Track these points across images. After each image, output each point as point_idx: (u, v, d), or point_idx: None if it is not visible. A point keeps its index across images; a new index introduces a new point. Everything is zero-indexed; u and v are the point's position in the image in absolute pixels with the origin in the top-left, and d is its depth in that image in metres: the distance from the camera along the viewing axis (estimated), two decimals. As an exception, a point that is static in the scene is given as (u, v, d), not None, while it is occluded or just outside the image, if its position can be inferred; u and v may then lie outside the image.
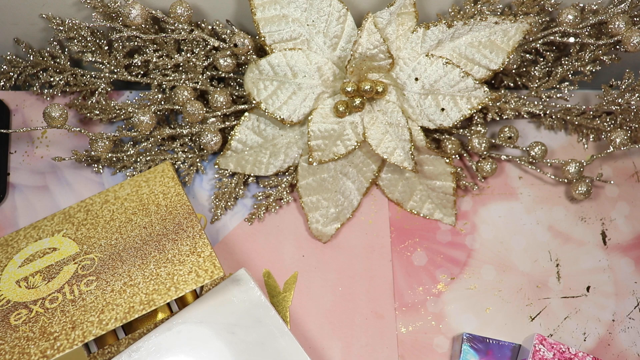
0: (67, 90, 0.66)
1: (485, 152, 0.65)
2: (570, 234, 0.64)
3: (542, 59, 0.66)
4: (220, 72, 0.64)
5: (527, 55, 0.65)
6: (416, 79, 0.59)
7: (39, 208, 0.63)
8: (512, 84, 0.67)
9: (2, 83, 0.67)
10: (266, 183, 0.64)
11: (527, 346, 0.57)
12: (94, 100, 0.65)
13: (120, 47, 0.63)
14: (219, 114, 0.63)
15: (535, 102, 0.66)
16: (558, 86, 0.67)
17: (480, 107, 0.59)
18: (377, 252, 0.63)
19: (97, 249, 0.56)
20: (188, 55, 0.63)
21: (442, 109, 0.59)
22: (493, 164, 0.65)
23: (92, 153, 0.61)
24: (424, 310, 0.61)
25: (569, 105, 0.66)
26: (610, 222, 0.65)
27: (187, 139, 0.65)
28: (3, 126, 0.65)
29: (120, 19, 0.61)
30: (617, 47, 0.63)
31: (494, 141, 0.65)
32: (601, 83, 0.66)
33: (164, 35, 0.61)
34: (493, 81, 0.68)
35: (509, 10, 0.64)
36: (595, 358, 0.55)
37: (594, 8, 0.63)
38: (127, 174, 0.64)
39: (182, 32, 0.61)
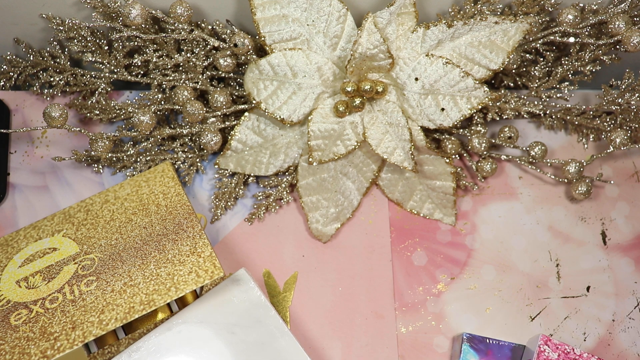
0: (67, 90, 0.66)
1: (485, 152, 0.65)
2: (570, 234, 0.64)
3: (542, 59, 0.66)
4: (220, 72, 0.64)
5: (527, 55, 0.65)
6: (416, 79, 0.59)
7: (39, 208, 0.63)
8: (512, 84, 0.67)
9: (2, 83, 0.67)
10: (266, 183, 0.64)
11: (532, 347, 0.57)
12: (94, 100, 0.65)
13: (120, 47, 0.63)
14: (219, 114, 0.63)
15: (535, 102, 0.66)
16: (558, 86, 0.66)
17: (480, 107, 0.59)
18: (377, 252, 0.63)
19: (97, 249, 0.56)
20: (188, 55, 0.63)
21: (442, 109, 0.59)
22: (493, 164, 0.65)
23: (92, 153, 0.61)
24: (424, 310, 0.61)
25: (569, 105, 0.66)
26: (610, 222, 0.65)
27: (187, 139, 0.65)
28: (3, 126, 0.65)
29: (120, 19, 0.61)
30: (617, 47, 0.63)
31: (494, 141, 0.65)
32: (601, 83, 0.66)
33: (164, 35, 0.61)
34: (493, 81, 0.68)
35: (509, 10, 0.64)
36: (600, 359, 0.55)
37: (594, 8, 0.63)
38: (127, 174, 0.64)
39: (182, 32, 0.61)
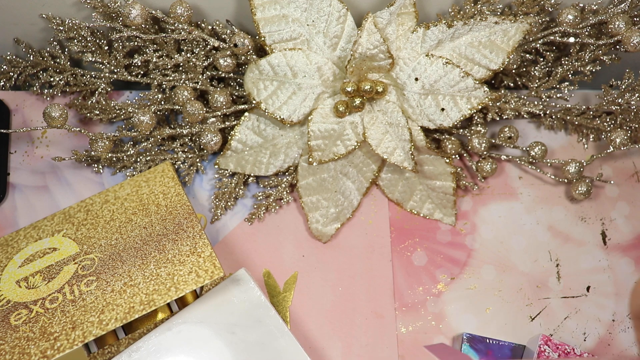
0: (67, 90, 0.66)
1: (485, 152, 0.65)
2: (570, 234, 0.64)
3: (542, 59, 0.66)
4: (220, 72, 0.64)
5: (527, 55, 0.65)
6: (416, 79, 0.59)
7: (39, 208, 0.63)
8: (512, 84, 0.67)
9: (2, 83, 0.67)
10: (266, 183, 0.64)
11: (532, 347, 0.57)
12: (94, 100, 0.65)
13: (120, 47, 0.63)
14: (219, 114, 0.63)
15: (535, 102, 0.66)
16: (558, 86, 0.66)
17: (480, 107, 0.59)
18: (377, 252, 0.63)
19: (97, 249, 0.56)
20: (188, 55, 0.63)
21: (442, 109, 0.59)
22: (493, 164, 0.65)
23: (92, 153, 0.61)
24: (424, 310, 0.61)
25: (569, 105, 0.66)
26: (610, 222, 0.65)
27: (187, 139, 0.65)
28: (3, 126, 0.65)
29: (120, 19, 0.61)
30: (617, 47, 0.63)
31: (494, 141, 0.65)
32: (601, 83, 0.66)
33: (164, 35, 0.61)
34: (493, 81, 0.68)
35: (509, 10, 0.64)
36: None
37: (594, 8, 0.63)
38: (127, 174, 0.64)
39: (182, 32, 0.61)
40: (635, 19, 0.62)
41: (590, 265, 0.63)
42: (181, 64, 0.64)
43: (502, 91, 0.66)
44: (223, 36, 0.63)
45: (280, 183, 0.64)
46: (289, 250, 0.63)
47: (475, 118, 0.66)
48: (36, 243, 0.57)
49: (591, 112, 0.66)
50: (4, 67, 0.66)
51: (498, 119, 0.66)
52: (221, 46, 0.62)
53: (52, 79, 0.65)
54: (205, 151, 0.65)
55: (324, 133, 0.60)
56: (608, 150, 0.63)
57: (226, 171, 0.64)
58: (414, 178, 0.64)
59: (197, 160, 0.65)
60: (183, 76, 0.64)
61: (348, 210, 0.64)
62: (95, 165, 0.65)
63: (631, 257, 0.63)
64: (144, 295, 0.52)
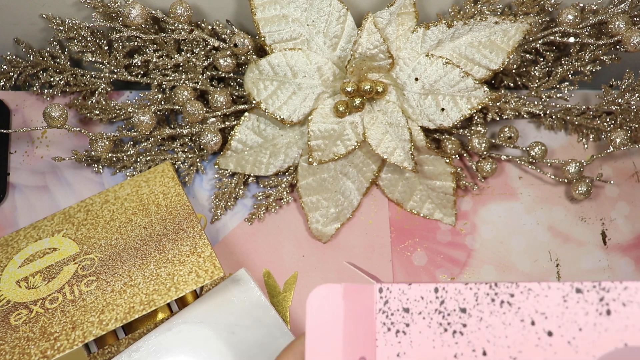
0: (67, 90, 0.66)
1: (485, 152, 0.65)
2: (570, 234, 0.64)
3: (542, 59, 0.66)
4: (220, 72, 0.64)
5: (527, 55, 0.65)
6: (416, 79, 0.59)
7: (39, 208, 0.63)
8: (512, 84, 0.67)
9: (2, 83, 0.67)
10: (266, 183, 0.64)
11: None
12: (94, 100, 0.65)
13: (120, 47, 0.63)
14: (219, 114, 0.63)
15: (535, 102, 0.66)
16: (558, 86, 0.66)
17: (480, 107, 0.59)
18: (377, 252, 0.63)
19: (97, 249, 0.56)
20: (188, 55, 0.63)
21: (442, 109, 0.59)
22: (493, 164, 0.65)
23: (92, 153, 0.61)
24: (424, 310, 0.61)
25: (569, 105, 0.66)
26: (610, 222, 0.65)
27: (187, 139, 0.65)
28: (3, 126, 0.66)
29: (120, 19, 0.61)
30: (617, 47, 0.63)
31: (494, 141, 0.65)
32: (601, 83, 0.66)
33: (164, 35, 0.62)
34: (493, 81, 0.68)
35: (509, 10, 0.64)
36: None
37: (594, 8, 0.63)
38: (127, 174, 0.64)
39: (182, 32, 0.61)
40: (635, 19, 0.62)
41: (590, 265, 0.63)
42: (181, 64, 0.64)
43: (502, 91, 0.66)
44: (223, 36, 0.63)
45: (280, 183, 0.64)
46: (289, 250, 0.63)
47: (475, 118, 0.66)
48: (36, 243, 0.57)
49: (591, 112, 0.66)
50: (4, 67, 0.66)
51: (498, 119, 0.66)
52: (221, 46, 0.62)
53: (52, 79, 0.65)
54: (205, 151, 0.65)
55: (324, 133, 0.60)
56: (608, 150, 0.63)
57: (226, 171, 0.64)
58: (414, 178, 0.64)
59: (197, 160, 0.65)
60: (183, 76, 0.64)
61: (348, 210, 0.64)
62: (95, 165, 0.65)
63: (631, 257, 0.63)
64: (144, 295, 0.52)
